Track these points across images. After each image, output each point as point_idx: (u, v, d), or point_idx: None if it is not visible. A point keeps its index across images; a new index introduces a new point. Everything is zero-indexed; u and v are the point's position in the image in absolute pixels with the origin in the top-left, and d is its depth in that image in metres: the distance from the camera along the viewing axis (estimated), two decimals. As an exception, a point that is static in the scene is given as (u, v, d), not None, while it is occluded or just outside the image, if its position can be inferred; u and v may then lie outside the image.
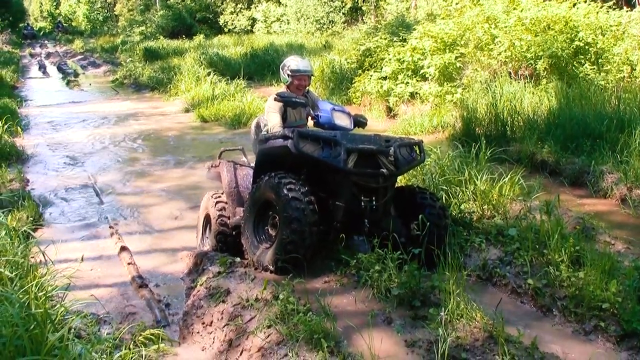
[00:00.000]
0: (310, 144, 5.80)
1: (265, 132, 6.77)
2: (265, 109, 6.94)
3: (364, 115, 7.11)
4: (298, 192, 5.64)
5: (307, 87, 7.03)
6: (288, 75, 6.86)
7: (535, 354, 4.35)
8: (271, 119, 6.73)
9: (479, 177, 7.34)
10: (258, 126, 7.22)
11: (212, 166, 7.67)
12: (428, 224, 5.90)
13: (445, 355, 4.20)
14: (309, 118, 6.73)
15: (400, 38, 17.30)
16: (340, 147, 5.72)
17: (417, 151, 6.38)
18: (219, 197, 7.32)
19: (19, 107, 19.65)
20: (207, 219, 7.50)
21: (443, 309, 4.85)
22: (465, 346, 4.51)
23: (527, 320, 5.49)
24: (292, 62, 6.89)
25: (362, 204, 5.84)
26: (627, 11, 15.15)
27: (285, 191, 5.63)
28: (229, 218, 7.07)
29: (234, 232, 6.90)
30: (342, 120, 6.40)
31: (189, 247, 7.91)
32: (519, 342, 4.52)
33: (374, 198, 5.89)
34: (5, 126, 13.48)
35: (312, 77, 7.20)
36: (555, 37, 13.13)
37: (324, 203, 5.96)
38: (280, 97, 6.50)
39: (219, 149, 8.18)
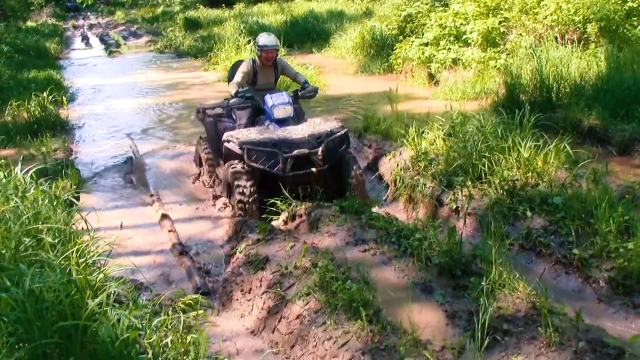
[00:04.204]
0: (257, 155, 7.43)
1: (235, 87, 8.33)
2: (236, 69, 8.74)
3: (311, 87, 8.61)
4: (242, 180, 7.44)
5: (275, 58, 8.61)
6: (257, 49, 8.46)
7: (580, 327, 4.21)
8: (237, 78, 8.43)
9: (523, 144, 7.15)
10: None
11: (198, 112, 9.40)
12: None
13: (486, 326, 4.10)
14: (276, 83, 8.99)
15: (442, 3, 17.02)
16: (279, 156, 7.35)
17: (347, 141, 7.90)
18: (207, 144, 9.06)
19: (63, 79, 19.81)
20: (200, 159, 9.27)
21: (484, 278, 4.74)
22: (507, 317, 4.40)
23: (572, 292, 5.40)
24: (260, 39, 8.44)
25: (300, 190, 7.41)
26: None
27: (235, 181, 7.46)
28: (216, 165, 8.78)
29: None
30: (282, 113, 7.94)
31: (229, 214, 7.91)
32: (563, 313, 4.39)
33: (308, 186, 7.53)
34: (51, 97, 13.57)
35: (279, 50, 8.79)
36: (606, -2, 12.75)
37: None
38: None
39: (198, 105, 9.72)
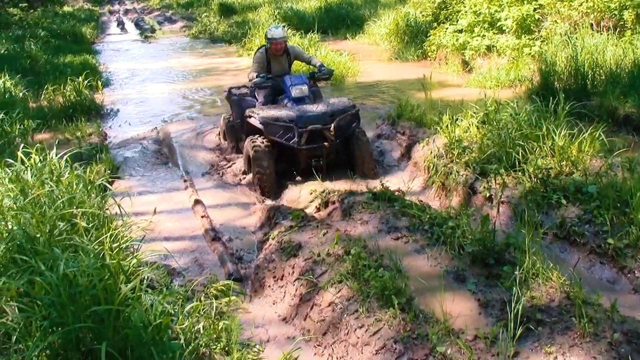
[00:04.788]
0: (275, 129, 8.19)
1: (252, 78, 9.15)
2: (253, 58, 9.58)
3: (327, 69, 9.44)
4: (261, 153, 8.16)
5: (284, 48, 9.42)
6: (267, 41, 9.35)
7: (615, 318, 4.18)
8: (253, 68, 9.33)
9: (557, 133, 7.08)
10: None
11: (225, 92, 10.31)
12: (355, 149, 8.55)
13: (519, 316, 4.08)
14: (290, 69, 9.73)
15: (477, -11, 16.87)
16: (295, 130, 8.08)
17: (357, 118, 8.61)
18: (230, 118, 10.03)
19: (98, 64, 19.97)
20: (224, 133, 10.33)
21: (518, 267, 4.72)
22: (540, 307, 4.39)
23: (607, 282, 5.34)
24: (269, 32, 9.28)
25: (313, 162, 8.25)
26: None
27: (254, 154, 8.18)
28: (239, 140, 9.62)
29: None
30: (299, 92, 8.76)
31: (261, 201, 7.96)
32: (598, 304, 4.35)
33: (320, 159, 8.29)
34: (86, 81, 13.71)
35: (286, 41, 9.56)
36: (643, -16, 12.52)
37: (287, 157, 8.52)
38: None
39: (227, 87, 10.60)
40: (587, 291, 4.62)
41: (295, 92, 8.76)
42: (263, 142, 8.25)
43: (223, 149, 10.32)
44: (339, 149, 8.58)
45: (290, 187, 8.30)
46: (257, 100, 9.26)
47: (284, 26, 11.90)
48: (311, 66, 9.97)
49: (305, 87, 8.84)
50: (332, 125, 8.16)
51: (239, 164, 9.25)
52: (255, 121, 8.44)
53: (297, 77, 9.08)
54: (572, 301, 4.35)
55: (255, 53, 9.63)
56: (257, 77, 9.01)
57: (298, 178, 8.50)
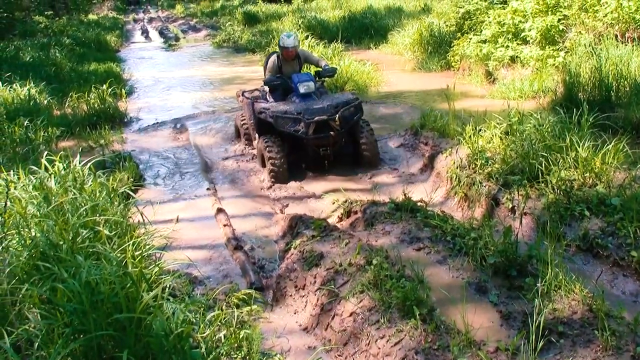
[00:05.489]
0: (284, 121, 8.92)
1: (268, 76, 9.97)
2: (267, 65, 10.23)
3: (330, 67, 10.09)
4: (273, 152, 8.97)
5: (296, 54, 10.10)
6: (280, 48, 10.04)
7: (638, 331, 4.15)
8: (267, 74, 10.07)
9: (581, 144, 7.04)
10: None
11: (238, 96, 11.00)
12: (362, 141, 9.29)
13: (541, 328, 4.06)
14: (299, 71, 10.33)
15: (501, 0, 16.79)
16: (302, 121, 8.78)
17: (360, 110, 9.28)
18: (244, 118, 10.70)
19: (122, 71, 20.12)
20: (237, 129, 11.28)
21: (540, 279, 4.70)
22: (562, 319, 4.37)
23: (630, 295, 5.30)
24: (281, 40, 9.99)
25: (321, 152, 8.98)
26: None
27: (267, 152, 9.00)
28: (252, 139, 10.33)
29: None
30: (306, 88, 9.43)
31: (284, 210, 7.96)
32: (621, 317, 4.33)
33: (327, 148, 8.98)
34: (110, 89, 13.83)
35: (297, 48, 10.15)
36: (669, -5, 12.43)
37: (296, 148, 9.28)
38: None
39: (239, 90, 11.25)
40: (610, 304, 4.59)
41: (302, 88, 9.42)
42: (275, 141, 9.06)
43: (240, 149, 10.84)
44: (345, 138, 9.26)
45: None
46: (269, 102, 9.81)
47: (303, 37, 12.21)
48: (318, 67, 10.46)
49: (311, 84, 9.52)
50: (337, 115, 8.80)
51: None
52: (265, 117, 9.16)
53: (303, 75, 9.77)
54: (595, 314, 4.32)
55: (267, 61, 10.33)
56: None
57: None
